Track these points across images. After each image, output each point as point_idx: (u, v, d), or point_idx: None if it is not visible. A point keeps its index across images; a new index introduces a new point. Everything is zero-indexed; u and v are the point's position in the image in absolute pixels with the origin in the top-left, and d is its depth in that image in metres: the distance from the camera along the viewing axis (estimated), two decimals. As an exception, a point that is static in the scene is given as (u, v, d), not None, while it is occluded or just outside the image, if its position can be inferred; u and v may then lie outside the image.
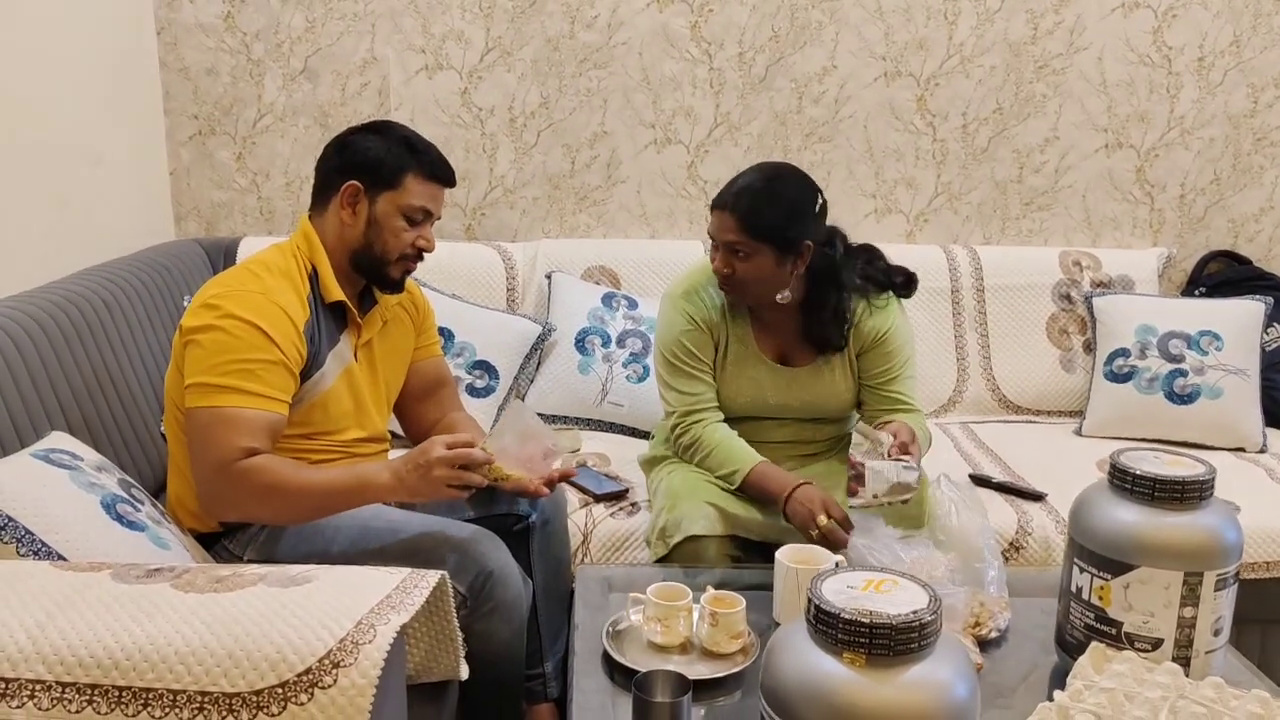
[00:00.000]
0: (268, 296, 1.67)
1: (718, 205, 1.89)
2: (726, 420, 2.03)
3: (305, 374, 1.71)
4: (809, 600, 1.08)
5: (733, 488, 1.95)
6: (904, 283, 2.04)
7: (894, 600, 1.07)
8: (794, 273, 1.92)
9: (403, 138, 1.78)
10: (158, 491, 1.98)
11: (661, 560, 1.91)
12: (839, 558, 1.68)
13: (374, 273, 1.80)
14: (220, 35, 2.71)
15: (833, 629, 1.04)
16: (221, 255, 2.63)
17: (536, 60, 2.77)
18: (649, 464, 2.15)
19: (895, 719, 1.01)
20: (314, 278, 1.76)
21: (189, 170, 2.80)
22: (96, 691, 1.10)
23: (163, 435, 2.10)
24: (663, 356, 2.03)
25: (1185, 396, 2.56)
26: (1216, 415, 2.54)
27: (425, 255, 1.81)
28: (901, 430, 1.86)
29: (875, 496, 1.76)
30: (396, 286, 1.83)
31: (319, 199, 1.80)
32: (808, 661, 1.06)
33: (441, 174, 1.79)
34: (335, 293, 1.76)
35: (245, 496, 1.62)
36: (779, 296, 1.94)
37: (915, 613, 1.03)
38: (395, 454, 1.97)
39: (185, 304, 2.37)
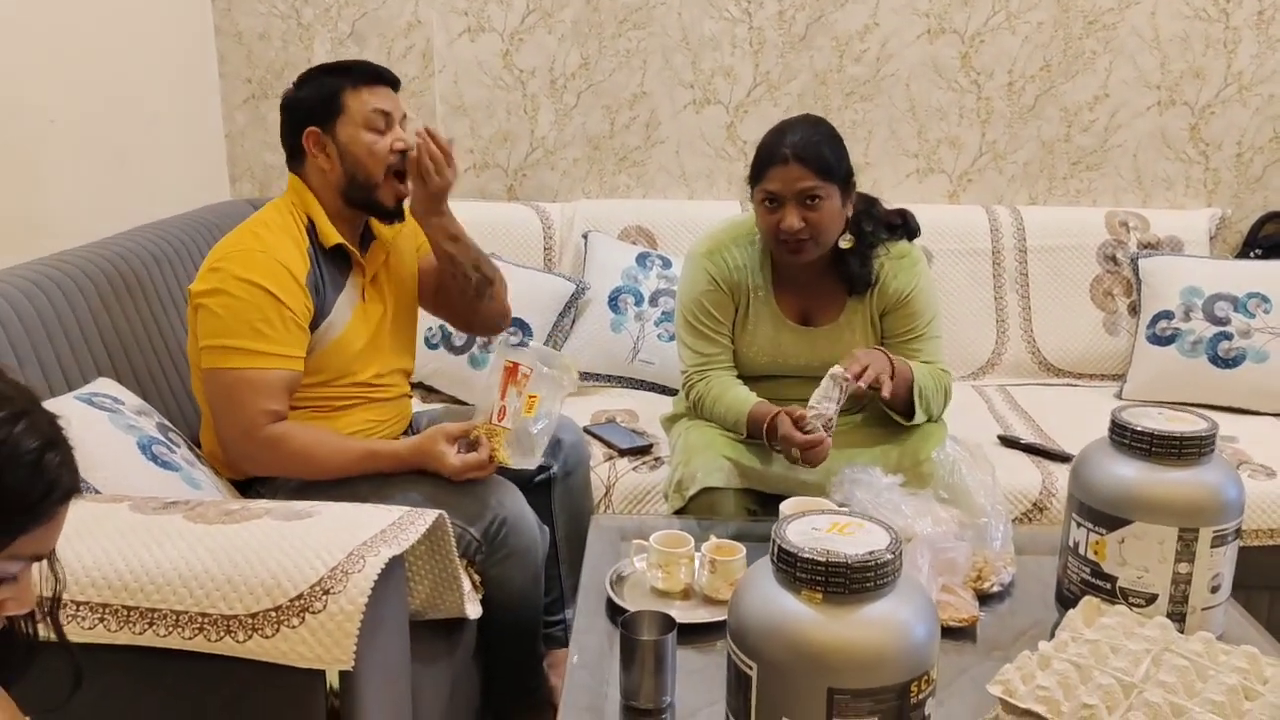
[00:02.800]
0: (269, 254, 1.73)
1: (778, 160, 1.86)
2: (746, 379, 2.05)
3: (313, 325, 1.77)
4: (772, 540, 1.11)
5: (744, 436, 1.97)
6: (903, 224, 2.04)
7: (854, 541, 1.09)
8: (848, 214, 1.93)
9: (321, 71, 1.83)
10: (198, 441, 2.08)
11: (679, 512, 1.94)
12: (844, 510, 1.69)
13: (369, 204, 1.83)
14: (272, 0, 2.79)
15: (792, 567, 1.07)
16: (270, 215, 2.73)
17: (576, 21, 2.80)
18: (669, 421, 2.19)
19: (851, 654, 1.04)
20: (311, 228, 1.82)
21: (243, 132, 2.90)
22: (107, 610, 1.18)
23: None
24: (682, 315, 2.06)
25: (1230, 360, 2.50)
26: (1262, 379, 2.48)
27: (407, 155, 1.80)
28: (871, 360, 1.84)
29: (820, 414, 1.81)
30: (396, 213, 1.85)
31: (293, 158, 1.86)
32: (770, 599, 1.09)
33: (373, 74, 1.81)
34: (333, 236, 1.82)
35: (272, 461, 1.74)
36: (842, 240, 1.95)
37: (872, 553, 1.06)
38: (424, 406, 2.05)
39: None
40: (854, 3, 2.77)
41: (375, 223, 1.89)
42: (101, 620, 1.18)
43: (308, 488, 1.78)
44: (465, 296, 1.98)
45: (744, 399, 1.97)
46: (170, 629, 1.17)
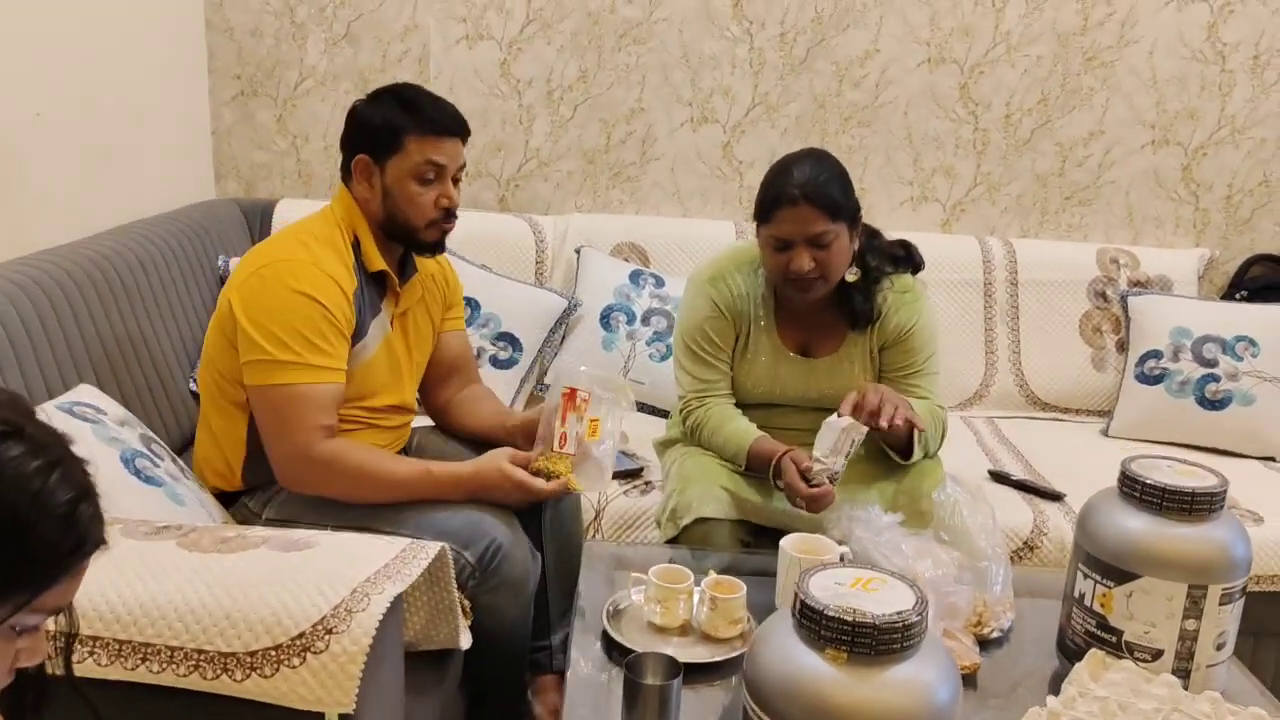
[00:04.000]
0: (319, 266, 1.68)
1: (786, 201, 1.81)
2: (744, 407, 2.03)
3: (352, 342, 1.73)
4: (795, 595, 1.08)
5: (742, 469, 1.95)
6: (906, 256, 2.03)
7: (880, 599, 1.07)
8: (853, 248, 1.91)
9: (399, 99, 1.75)
10: (183, 449, 2.02)
11: (671, 541, 1.92)
12: (844, 549, 1.67)
13: (408, 240, 1.80)
14: (265, -3, 2.74)
15: (816, 625, 1.04)
16: (259, 216, 2.67)
17: (576, 33, 2.76)
18: (663, 445, 2.16)
19: (874, 718, 1.02)
20: (356, 246, 1.77)
21: (230, 130, 2.84)
22: (98, 644, 1.14)
23: (193, 394, 2.15)
24: (683, 340, 2.03)
25: (1217, 402, 2.51)
26: (1247, 422, 2.50)
27: (455, 213, 1.79)
28: (884, 397, 1.80)
29: (826, 469, 1.79)
30: (435, 249, 1.82)
31: (345, 171, 1.81)
32: (791, 656, 1.07)
33: (442, 124, 1.75)
34: (377, 262, 1.78)
35: (326, 480, 1.69)
36: (848, 274, 1.92)
37: (900, 613, 1.04)
38: (420, 421, 2.02)
39: (220, 263, 2.41)
40: (855, 28, 2.76)
41: (417, 256, 1.87)
42: (92, 654, 1.13)
43: (300, 505, 1.74)
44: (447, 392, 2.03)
45: (745, 431, 1.95)
46: (165, 665, 1.13)
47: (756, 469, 1.93)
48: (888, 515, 1.72)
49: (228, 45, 2.77)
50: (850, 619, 1.02)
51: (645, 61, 2.78)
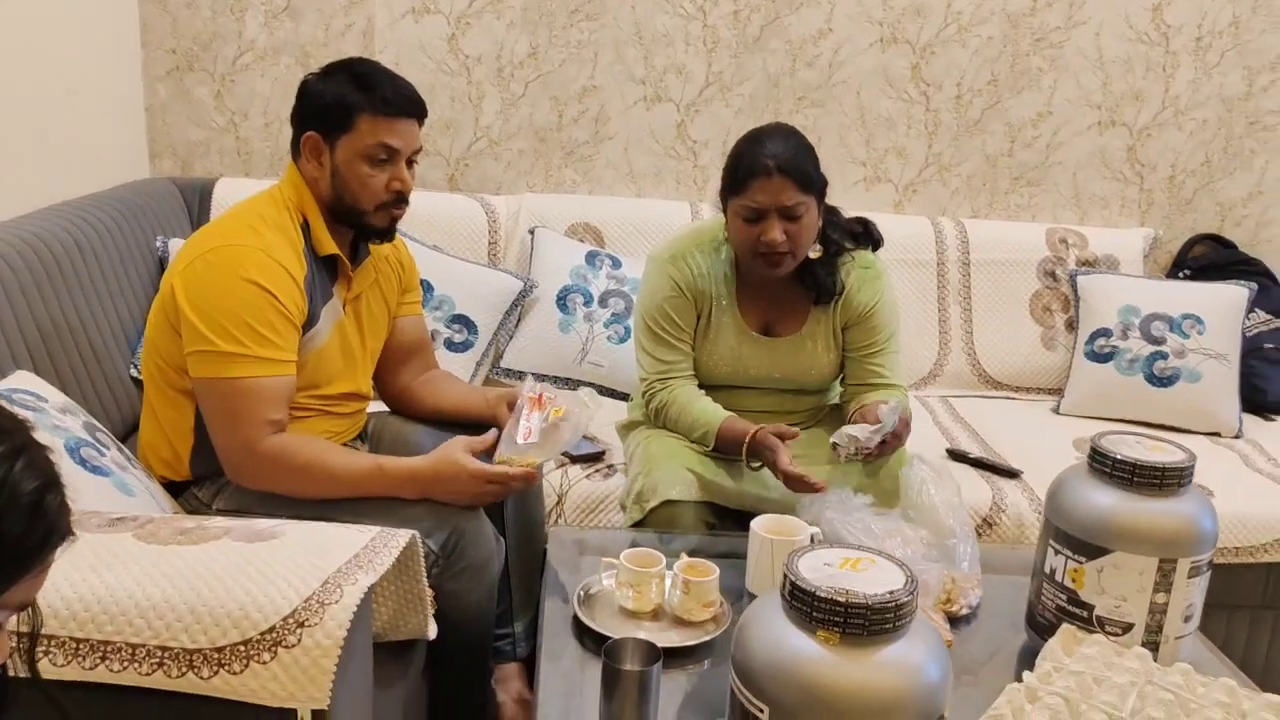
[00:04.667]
0: (267, 252, 1.61)
1: (761, 173, 1.81)
2: (706, 389, 2.01)
3: (303, 329, 1.66)
4: (785, 576, 1.06)
5: (709, 448, 1.93)
6: (865, 232, 2.03)
7: (870, 579, 1.05)
8: (819, 224, 1.91)
9: (354, 75, 1.67)
10: (126, 436, 1.94)
11: (636, 525, 1.89)
12: (814, 529, 1.66)
13: (356, 223, 1.73)
14: (201, -32, 2.63)
15: (808, 606, 1.02)
16: (197, 196, 2.58)
17: (527, 9, 2.70)
18: (626, 428, 2.13)
19: (867, 699, 1.00)
20: (305, 229, 1.70)
21: (165, 107, 2.73)
22: (53, 642, 1.07)
23: (134, 379, 2.06)
24: (643, 321, 2.00)
25: (1165, 379, 2.56)
26: (1195, 399, 2.55)
27: (407, 197, 1.73)
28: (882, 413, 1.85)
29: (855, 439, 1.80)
30: (386, 234, 1.75)
31: (294, 149, 1.73)
32: (781, 638, 1.04)
33: (398, 106, 1.67)
34: (328, 246, 1.71)
35: (274, 475, 1.62)
36: (812, 250, 1.92)
37: (892, 593, 1.02)
38: (372, 407, 1.96)
39: (158, 244, 2.32)
40: (808, 7, 2.74)
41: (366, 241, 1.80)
42: (47, 653, 1.07)
43: (251, 497, 1.67)
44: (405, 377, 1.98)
45: (713, 412, 1.93)
46: (126, 664, 1.07)
47: (726, 449, 1.92)
48: (858, 496, 1.72)
49: (161, 17, 2.66)
50: (843, 600, 1.01)
51: (597, 38, 2.74)
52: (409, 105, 1.69)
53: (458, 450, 1.65)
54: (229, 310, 1.57)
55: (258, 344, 1.58)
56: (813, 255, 1.93)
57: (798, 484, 1.79)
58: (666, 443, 1.96)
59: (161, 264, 2.30)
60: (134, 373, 2.08)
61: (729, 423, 1.91)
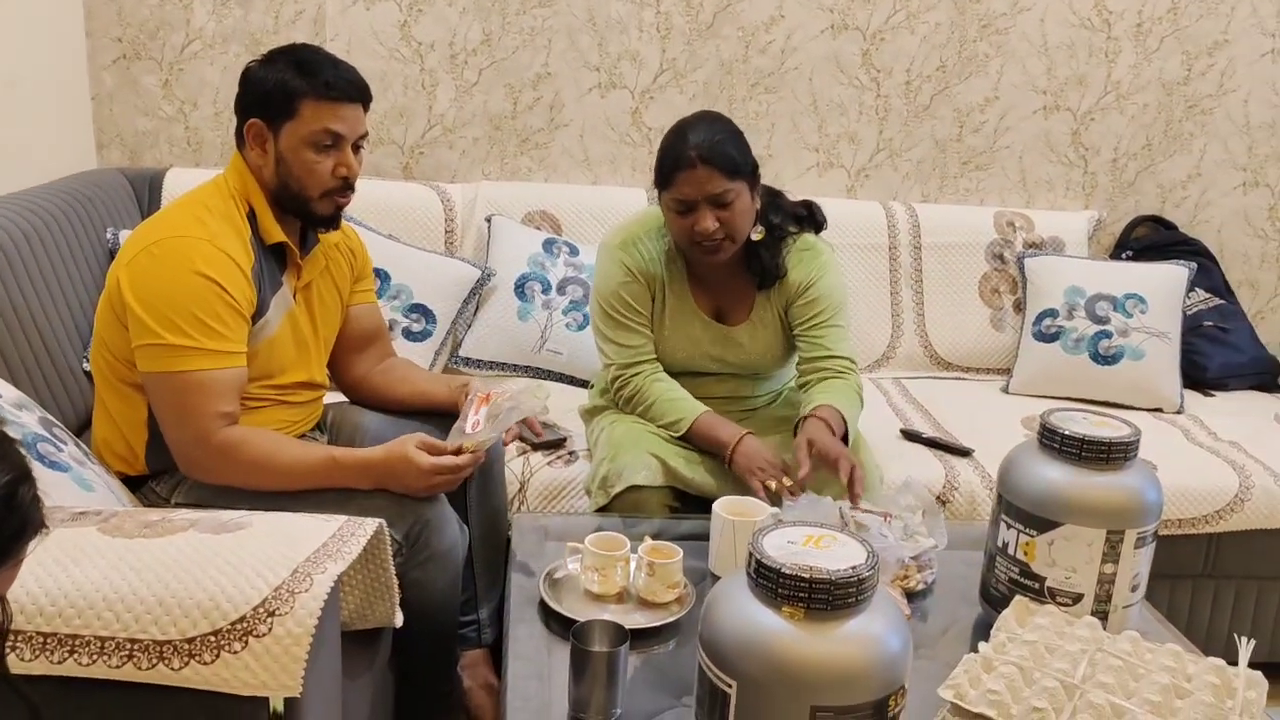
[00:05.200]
0: (214, 243, 1.60)
1: (685, 165, 1.83)
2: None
3: (252, 320, 1.66)
4: (750, 555, 1.09)
5: (677, 435, 1.96)
6: (809, 215, 2.06)
7: (833, 556, 1.08)
8: (756, 206, 1.93)
9: (296, 61, 1.66)
10: (80, 430, 1.92)
11: (602, 509, 1.91)
12: (775, 509, 1.70)
13: (301, 211, 1.71)
14: (146, -46, 2.59)
15: (773, 583, 1.05)
16: (147, 186, 2.54)
17: (480, -4, 2.70)
18: (589, 414, 2.15)
19: (832, 671, 1.03)
20: (252, 217, 1.70)
21: (112, 96, 2.68)
22: (20, 637, 1.07)
23: (86, 373, 2.04)
24: (600, 308, 2.02)
25: (1109, 357, 2.63)
26: (1138, 376, 2.62)
27: (353, 183, 1.72)
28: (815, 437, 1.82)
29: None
30: (332, 222, 1.75)
31: (239, 137, 1.72)
32: (747, 614, 1.07)
33: (341, 90, 1.65)
34: (276, 234, 1.70)
35: (226, 469, 1.61)
36: (754, 232, 1.94)
37: (854, 569, 1.05)
38: (329, 398, 1.96)
39: (109, 236, 2.29)
40: (760, -7, 2.77)
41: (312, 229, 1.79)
42: (13, 649, 1.06)
43: (209, 490, 1.67)
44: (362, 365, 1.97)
45: (688, 407, 1.96)
46: (95, 657, 1.07)
47: (700, 444, 1.95)
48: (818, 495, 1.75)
49: (106, 5, 2.61)
50: (807, 576, 1.03)
51: (551, 25, 2.73)
52: (352, 89, 1.68)
53: (409, 446, 1.64)
54: (176, 303, 1.56)
55: (206, 336, 1.57)
56: (755, 237, 1.96)
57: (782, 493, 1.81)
58: (630, 428, 1.98)
59: (113, 255, 2.27)
60: (86, 367, 2.05)
61: (707, 420, 1.94)
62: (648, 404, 1.98)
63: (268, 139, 1.67)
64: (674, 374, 2.04)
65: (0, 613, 0.81)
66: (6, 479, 0.70)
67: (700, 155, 1.82)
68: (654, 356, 2.02)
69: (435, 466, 1.63)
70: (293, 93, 1.64)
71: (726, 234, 1.88)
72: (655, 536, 1.67)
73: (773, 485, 1.81)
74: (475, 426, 1.71)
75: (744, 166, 1.87)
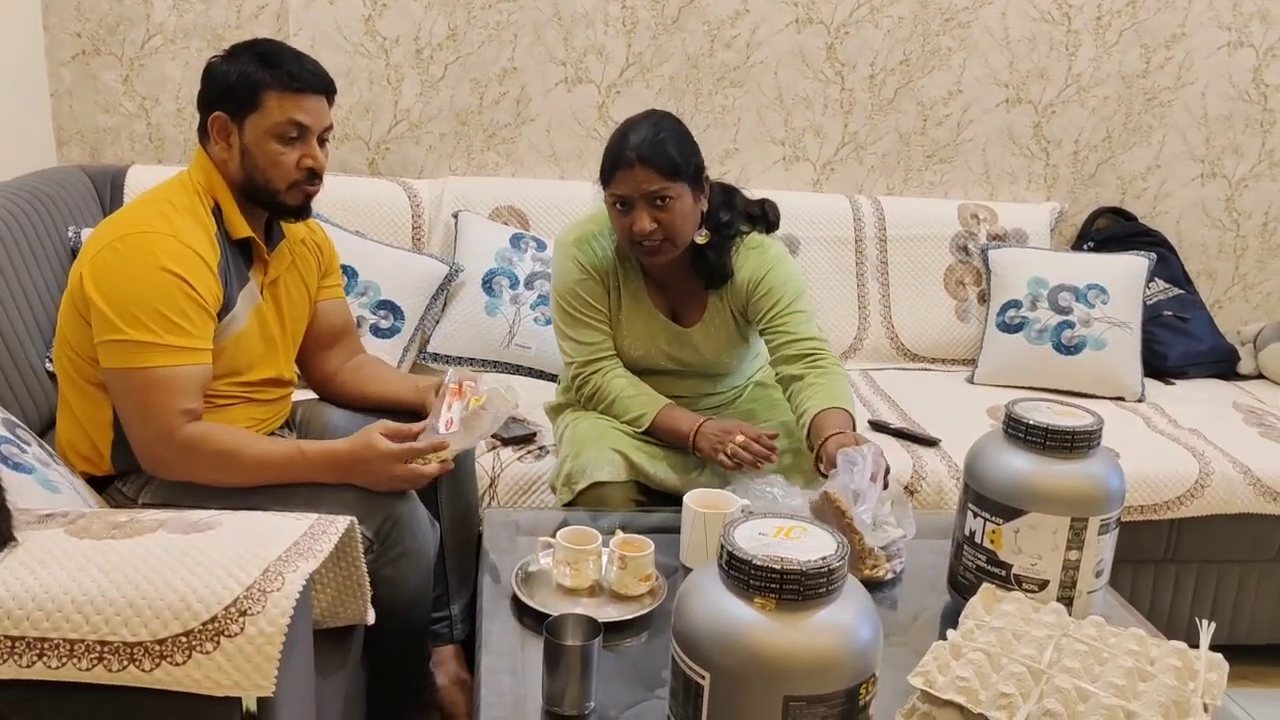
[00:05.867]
0: (179, 238, 1.59)
1: (623, 165, 1.83)
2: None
3: (218, 316, 1.64)
4: (721, 546, 1.10)
5: (640, 430, 1.96)
6: (762, 214, 2.04)
7: (803, 547, 1.09)
8: (701, 209, 1.92)
9: (258, 54, 1.65)
10: (44, 431, 1.90)
11: (568, 505, 1.92)
12: (745, 502, 1.71)
13: (269, 203, 1.71)
14: (104, -52, 2.56)
15: (745, 575, 1.06)
16: (109, 184, 2.51)
17: (444, -10, 2.69)
18: (555, 410, 2.15)
19: (805, 660, 1.05)
20: (217, 213, 1.68)
21: (72, 92, 2.65)
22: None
23: (49, 373, 2.01)
24: (559, 305, 2.01)
25: (1072, 347, 2.67)
26: (1100, 366, 2.66)
27: (319, 175, 1.71)
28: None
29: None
30: (299, 212, 1.74)
31: (201, 132, 1.71)
32: (719, 606, 1.08)
33: (305, 82, 1.66)
34: (242, 229, 1.69)
35: (190, 465, 1.60)
36: (698, 236, 1.93)
37: (824, 559, 1.06)
38: (298, 395, 1.95)
39: (71, 235, 2.26)
40: (725, -13, 2.78)
41: (282, 222, 1.78)
42: (-27, 652, 1.05)
43: (179, 488, 1.65)
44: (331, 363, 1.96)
45: (649, 401, 1.97)
46: (64, 660, 1.06)
47: (663, 438, 1.96)
48: (788, 486, 1.77)
49: (65, 0, 2.57)
50: (778, 567, 1.05)
51: (517, 19, 2.73)
52: (316, 81, 1.68)
53: (374, 433, 1.64)
54: (140, 299, 1.55)
55: (170, 332, 1.56)
56: (699, 240, 1.94)
57: (757, 455, 1.83)
58: (594, 424, 1.98)
59: (74, 254, 2.24)
60: (49, 367, 2.02)
61: (668, 414, 1.95)
62: (609, 400, 1.98)
63: (232, 132, 1.66)
64: (633, 372, 2.04)
65: None
66: None
67: (639, 154, 1.82)
68: (613, 353, 2.02)
69: (398, 453, 1.62)
70: (256, 84, 1.63)
71: (665, 236, 1.86)
72: (624, 530, 1.68)
73: (739, 439, 1.84)
74: (449, 426, 1.70)
75: (684, 168, 1.85)
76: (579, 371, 2.01)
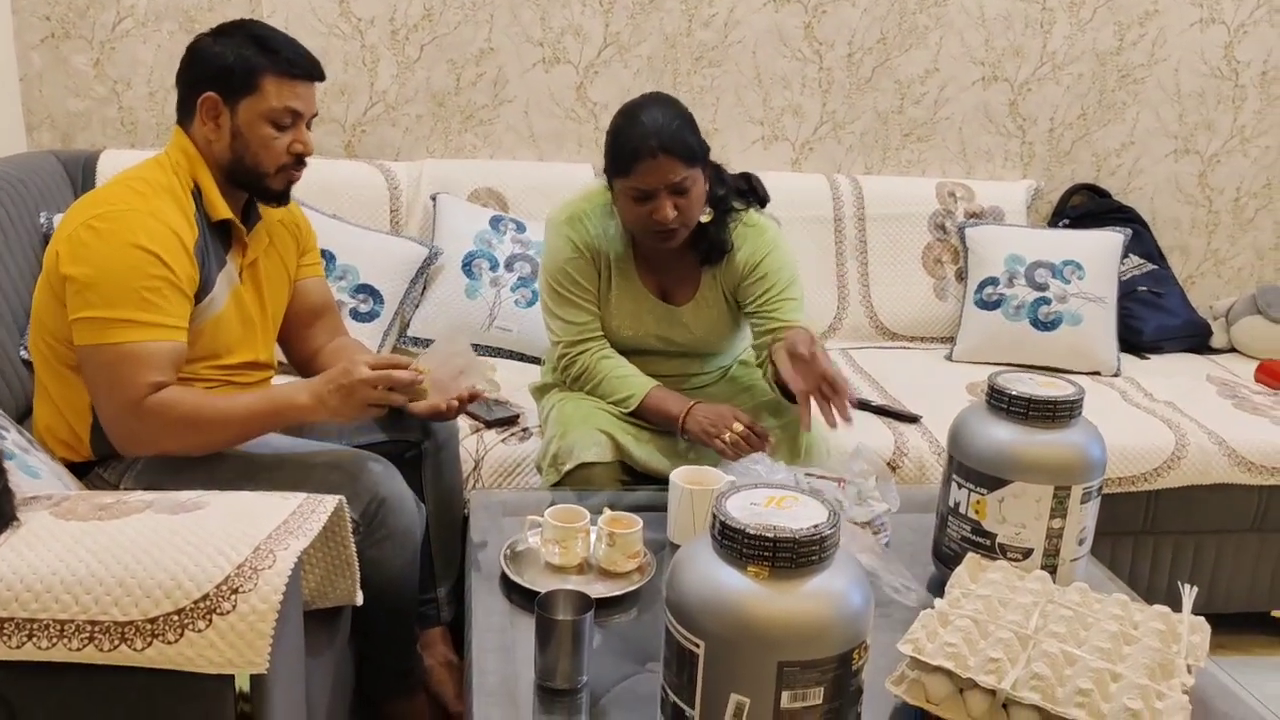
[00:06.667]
0: (155, 217, 1.57)
1: (645, 155, 1.79)
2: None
3: (196, 298, 1.63)
4: (714, 516, 1.10)
5: (627, 411, 1.97)
6: (750, 188, 2.05)
7: (795, 515, 1.10)
8: (707, 188, 1.92)
9: (253, 36, 1.65)
10: (21, 419, 1.87)
11: (554, 487, 1.92)
12: (731, 478, 1.71)
13: (254, 186, 1.70)
14: (72, -71, 2.52)
15: (738, 544, 1.07)
16: (80, 169, 2.47)
17: (419, -30, 2.67)
18: (540, 390, 2.14)
19: (798, 627, 1.05)
20: (197, 194, 1.67)
21: (41, 76, 2.61)
22: (-29, 621, 1.05)
23: (25, 361, 1.99)
24: (548, 284, 2.01)
25: (1048, 323, 2.69)
26: (1076, 341, 2.69)
27: (306, 160, 1.72)
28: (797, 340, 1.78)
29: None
30: (282, 197, 1.74)
31: (183, 112, 1.69)
32: (713, 575, 1.08)
33: (303, 69, 1.67)
34: (222, 210, 1.68)
35: (160, 432, 1.58)
36: (703, 216, 1.93)
37: (816, 527, 1.07)
38: (280, 379, 1.93)
39: (43, 221, 2.23)
40: (702, -34, 2.77)
41: (261, 205, 1.77)
42: (-34, 634, 1.04)
43: (163, 472, 1.64)
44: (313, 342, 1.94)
45: (638, 383, 1.97)
46: (54, 640, 1.05)
47: (651, 419, 1.96)
48: (772, 463, 1.78)
49: (32, -18, 2.54)
50: (771, 535, 1.05)
51: None
52: (313, 68, 1.69)
53: (356, 357, 1.64)
54: (114, 276, 1.54)
55: (143, 310, 1.54)
56: (704, 219, 1.94)
57: (752, 446, 1.84)
58: (580, 405, 1.98)
59: (47, 239, 2.21)
60: (24, 354, 2.00)
61: (657, 395, 1.95)
62: (596, 381, 1.98)
63: (222, 113, 1.65)
64: (621, 352, 2.04)
65: None
66: None
67: (661, 144, 1.79)
68: (601, 334, 2.01)
69: (378, 378, 1.59)
70: (255, 68, 1.63)
71: (683, 221, 1.86)
72: (611, 508, 1.68)
73: (738, 428, 1.85)
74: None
75: (700, 153, 1.85)
76: (566, 351, 2.01)
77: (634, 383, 1.97)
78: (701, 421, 1.89)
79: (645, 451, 1.95)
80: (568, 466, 1.89)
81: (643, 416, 1.97)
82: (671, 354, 2.07)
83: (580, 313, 2.00)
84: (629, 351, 2.05)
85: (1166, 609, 1.40)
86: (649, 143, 1.79)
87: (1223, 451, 2.31)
